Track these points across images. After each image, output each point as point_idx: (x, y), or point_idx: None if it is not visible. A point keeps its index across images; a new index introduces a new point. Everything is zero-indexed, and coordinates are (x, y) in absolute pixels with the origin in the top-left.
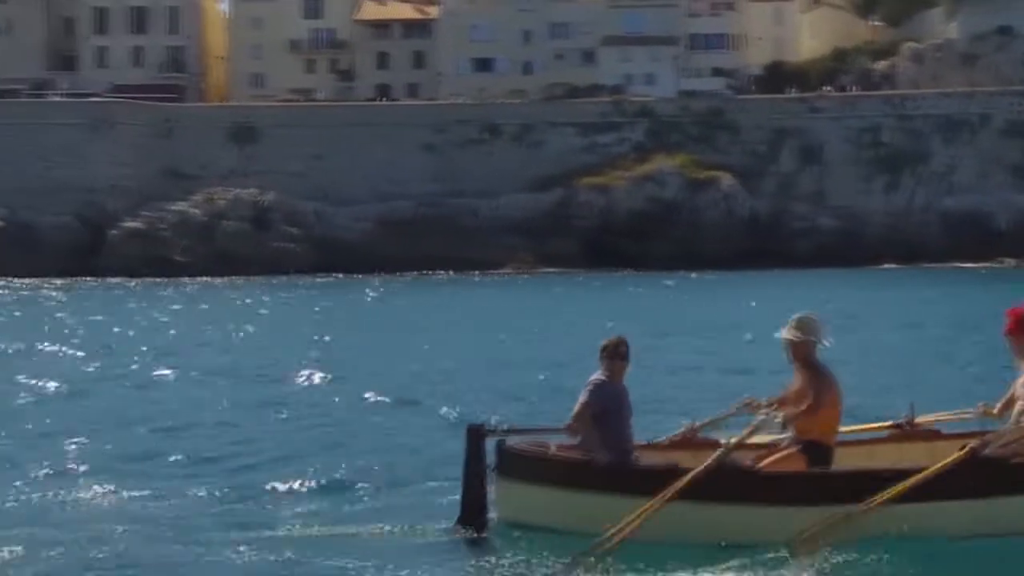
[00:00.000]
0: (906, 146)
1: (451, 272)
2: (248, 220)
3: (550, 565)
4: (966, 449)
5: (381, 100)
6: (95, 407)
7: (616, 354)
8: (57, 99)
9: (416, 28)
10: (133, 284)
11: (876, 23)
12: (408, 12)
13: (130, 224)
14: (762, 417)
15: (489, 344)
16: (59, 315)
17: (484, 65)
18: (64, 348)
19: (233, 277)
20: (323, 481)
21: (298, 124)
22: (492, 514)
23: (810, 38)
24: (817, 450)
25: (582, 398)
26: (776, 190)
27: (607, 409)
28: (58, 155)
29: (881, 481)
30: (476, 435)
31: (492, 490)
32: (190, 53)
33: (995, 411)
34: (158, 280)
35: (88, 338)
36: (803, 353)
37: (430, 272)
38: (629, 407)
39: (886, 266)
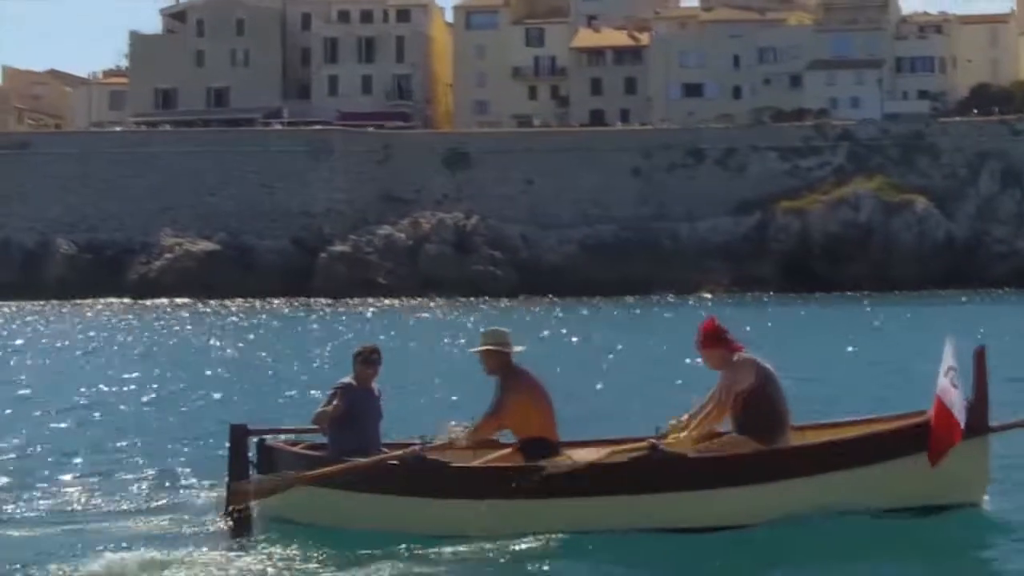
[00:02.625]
0: None
1: (644, 295)
2: (450, 244)
3: (303, 556)
4: (646, 444)
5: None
6: None
7: (367, 361)
8: (279, 127)
9: (628, 54)
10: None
11: None
12: (621, 39)
13: (338, 248)
14: (458, 430)
15: None
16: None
17: (694, 90)
18: None
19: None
20: (99, 474)
21: (509, 150)
22: (254, 508)
23: None
24: (538, 444)
25: (326, 399)
26: (975, 213)
27: (353, 411)
28: (278, 181)
29: (561, 476)
30: (239, 434)
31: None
32: (416, 81)
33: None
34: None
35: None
36: (498, 363)
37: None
38: (378, 410)
39: None
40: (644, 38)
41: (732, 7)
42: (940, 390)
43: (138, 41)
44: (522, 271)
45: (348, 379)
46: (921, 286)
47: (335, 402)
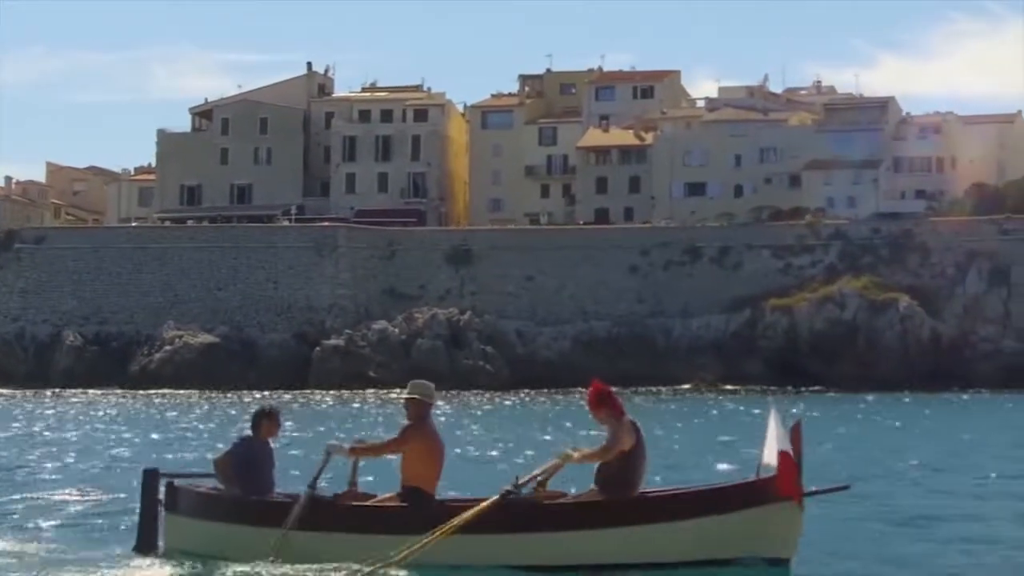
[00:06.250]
0: None
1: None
2: (443, 338)
3: None
4: (501, 493)
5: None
6: None
7: (273, 419)
8: (286, 223)
9: (633, 154)
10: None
11: None
12: (627, 138)
13: (332, 342)
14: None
15: None
16: None
17: (696, 189)
18: None
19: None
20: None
21: (511, 247)
22: (162, 542)
23: None
24: (415, 495)
25: (227, 449)
26: (962, 312)
27: (249, 460)
28: (284, 276)
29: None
30: (151, 477)
31: (162, 522)
32: (431, 178)
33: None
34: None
35: None
36: (417, 412)
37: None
38: (272, 459)
39: None
40: (649, 137)
41: (737, 107)
42: (783, 448)
43: (165, 139)
44: (515, 365)
45: (248, 432)
46: (906, 384)
47: (231, 451)
